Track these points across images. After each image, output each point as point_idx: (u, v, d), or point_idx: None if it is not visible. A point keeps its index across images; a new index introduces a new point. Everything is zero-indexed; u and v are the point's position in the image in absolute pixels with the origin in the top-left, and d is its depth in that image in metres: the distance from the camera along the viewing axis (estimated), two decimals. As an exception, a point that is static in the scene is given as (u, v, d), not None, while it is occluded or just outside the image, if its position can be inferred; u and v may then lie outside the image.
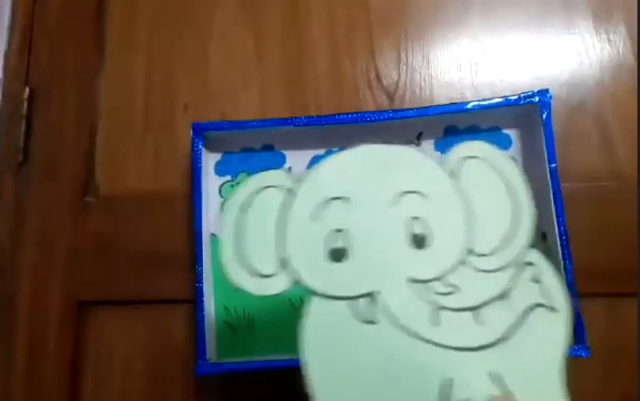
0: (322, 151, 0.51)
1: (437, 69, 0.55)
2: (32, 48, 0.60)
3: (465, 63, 0.55)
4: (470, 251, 0.34)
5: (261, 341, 0.49)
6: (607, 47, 0.54)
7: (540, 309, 0.33)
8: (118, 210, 0.55)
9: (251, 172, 0.49)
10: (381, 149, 0.36)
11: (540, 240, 0.47)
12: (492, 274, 0.33)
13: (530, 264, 0.34)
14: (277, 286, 0.34)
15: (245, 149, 0.52)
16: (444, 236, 0.34)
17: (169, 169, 0.55)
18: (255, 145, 0.52)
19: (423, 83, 0.55)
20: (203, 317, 0.47)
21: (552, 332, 0.33)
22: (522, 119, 0.49)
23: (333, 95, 0.56)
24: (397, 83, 0.55)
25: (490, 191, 0.35)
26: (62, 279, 0.54)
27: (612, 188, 0.50)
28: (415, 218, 0.34)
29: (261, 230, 0.34)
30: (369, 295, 0.33)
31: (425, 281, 0.33)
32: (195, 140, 0.50)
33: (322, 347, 0.32)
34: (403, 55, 0.56)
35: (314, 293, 0.33)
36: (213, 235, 0.50)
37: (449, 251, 0.34)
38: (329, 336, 0.33)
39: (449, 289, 0.33)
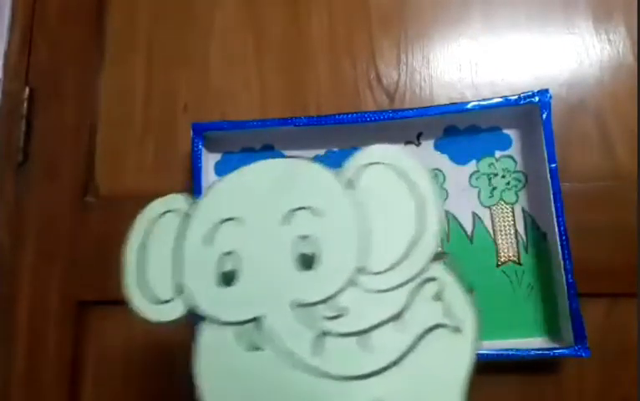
0: (322, 151, 0.51)
1: (437, 69, 0.55)
2: (32, 48, 0.60)
3: (465, 63, 0.55)
4: (362, 270, 0.31)
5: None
6: (607, 47, 0.54)
7: (440, 330, 0.30)
8: (118, 210, 0.55)
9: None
10: (275, 164, 0.35)
11: (541, 239, 0.48)
12: (387, 294, 0.31)
13: (432, 279, 0.31)
14: (174, 312, 0.33)
15: (245, 149, 0.52)
16: (333, 255, 0.31)
17: (169, 169, 0.55)
18: (255, 145, 0.52)
19: (423, 83, 0.55)
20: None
21: (453, 354, 0.30)
22: (522, 119, 0.49)
23: (333, 95, 0.56)
24: (397, 83, 0.55)
25: (392, 201, 0.32)
26: (62, 279, 0.54)
27: (612, 188, 0.50)
28: (304, 237, 0.32)
29: (161, 256, 0.34)
30: (255, 320, 0.31)
31: (311, 305, 0.31)
32: (195, 140, 0.50)
33: (212, 374, 0.32)
34: (403, 55, 0.56)
35: (206, 318, 0.32)
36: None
37: (337, 272, 0.31)
38: (217, 363, 0.32)
39: (337, 312, 0.31)
